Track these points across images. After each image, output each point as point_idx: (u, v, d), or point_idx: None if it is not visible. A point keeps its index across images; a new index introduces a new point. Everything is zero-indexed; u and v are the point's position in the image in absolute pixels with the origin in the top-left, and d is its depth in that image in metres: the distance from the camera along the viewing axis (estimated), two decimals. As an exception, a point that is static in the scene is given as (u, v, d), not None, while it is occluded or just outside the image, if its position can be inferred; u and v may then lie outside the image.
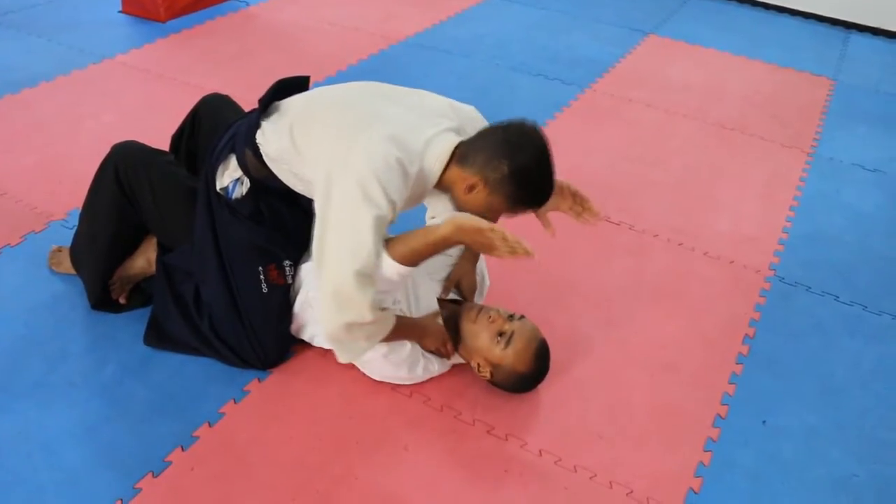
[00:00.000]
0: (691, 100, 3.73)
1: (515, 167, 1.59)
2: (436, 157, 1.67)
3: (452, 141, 1.69)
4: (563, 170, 2.95)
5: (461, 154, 1.67)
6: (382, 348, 1.82)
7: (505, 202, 1.66)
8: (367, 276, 1.61)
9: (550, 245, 2.57)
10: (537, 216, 1.87)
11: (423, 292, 2.01)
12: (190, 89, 3.25)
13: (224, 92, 2.20)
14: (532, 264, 2.46)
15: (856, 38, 4.77)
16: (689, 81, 3.93)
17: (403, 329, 1.83)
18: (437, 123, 1.73)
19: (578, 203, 1.89)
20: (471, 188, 1.64)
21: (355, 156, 1.59)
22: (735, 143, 3.37)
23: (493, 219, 1.72)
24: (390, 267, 1.64)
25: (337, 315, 1.63)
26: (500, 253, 1.59)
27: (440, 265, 2.10)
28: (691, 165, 3.16)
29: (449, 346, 1.92)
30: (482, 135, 1.67)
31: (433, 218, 2.01)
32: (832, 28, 4.90)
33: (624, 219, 2.76)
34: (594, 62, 4.02)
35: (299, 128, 1.73)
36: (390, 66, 3.72)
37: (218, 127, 1.97)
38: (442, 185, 1.73)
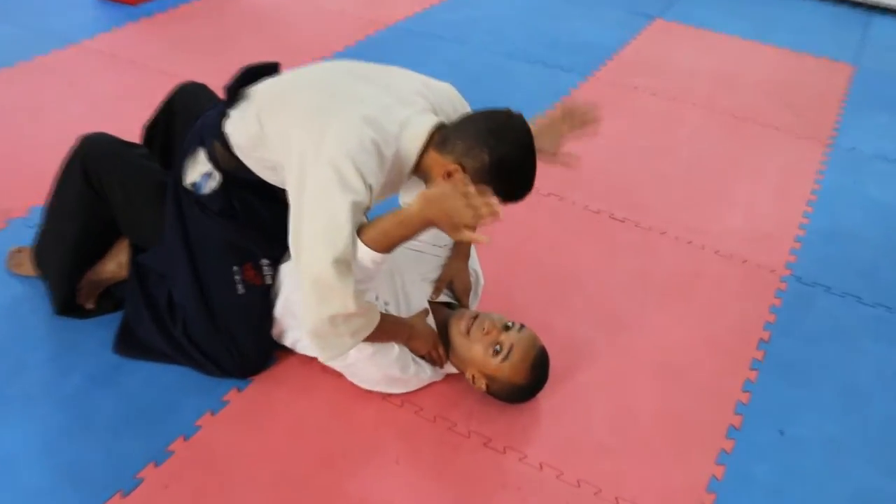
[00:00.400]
0: (700, 87, 3.74)
1: (496, 157, 1.61)
2: (413, 139, 1.68)
3: (430, 121, 1.70)
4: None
5: (441, 139, 1.68)
6: (368, 349, 1.82)
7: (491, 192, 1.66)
8: (347, 265, 1.61)
9: (550, 243, 2.61)
10: (552, 161, 1.89)
11: (414, 295, 2.00)
12: (164, 77, 3.23)
13: (201, 80, 2.20)
14: (531, 261, 2.48)
15: (878, 20, 4.79)
16: (698, 68, 3.94)
17: (390, 328, 1.83)
18: (412, 103, 1.74)
19: (577, 119, 1.92)
20: (448, 175, 1.65)
21: (329, 139, 1.60)
22: (747, 134, 3.38)
23: None
24: (363, 252, 1.64)
25: (319, 307, 1.63)
26: (466, 220, 1.55)
27: (433, 265, 2.10)
28: (701, 158, 3.17)
29: (441, 351, 1.92)
30: (464, 120, 1.69)
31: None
32: (852, 10, 4.92)
33: (629, 215, 2.77)
34: (597, 48, 4.03)
35: (267, 113, 1.74)
36: (377, 52, 3.72)
37: (193, 117, 1.97)
38: (419, 171, 1.74)
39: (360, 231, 1.64)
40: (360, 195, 1.60)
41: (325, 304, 1.63)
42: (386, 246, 1.65)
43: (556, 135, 1.90)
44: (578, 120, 1.92)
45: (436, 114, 1.78)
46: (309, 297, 1.64)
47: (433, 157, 1.68)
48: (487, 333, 1.85)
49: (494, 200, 1.57)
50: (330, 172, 1.59)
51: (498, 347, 1.83)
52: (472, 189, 1.54)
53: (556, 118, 1.91)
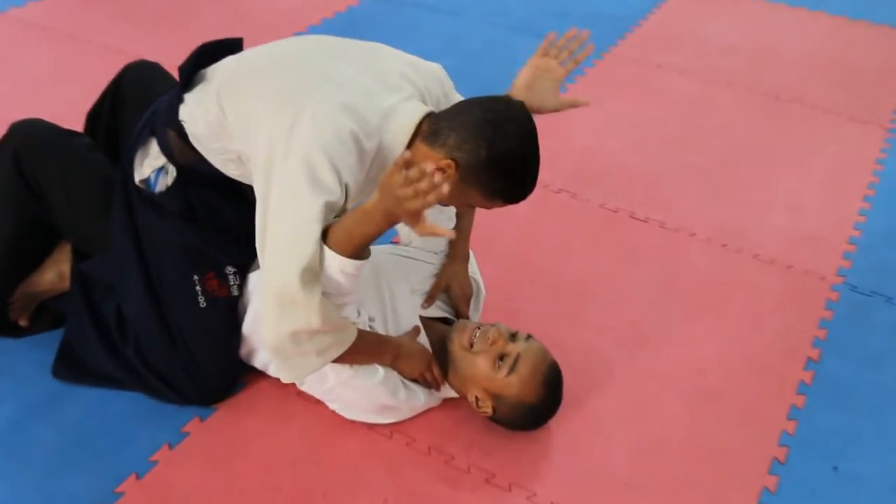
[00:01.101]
0: (737, 64, 3.76)
1: (495, 152, 1.59)
2: (398, 131, 1.68)
3: (419, 111, 1.71)
4: (577, 154, 3.03)
5: (431, 130, 1.67)
6: (346, 371, 1.82)
7: (479, 192, 1.66)
8: (315, 274, 1.62)
9: (561, 247, 2.61)
10: (558, 109, 1.91)
11: (403, 309, 2.01)
12: (110, 55, 3.24)
13: (153, 59, 2.20)
14: (539, 268, 2.48)
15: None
16: (734, 41, 3.96)
17: (371, 347, 1.84)
18: (398, 88, 1.75)
19: (564, 52, 1.95)
20: (441, 172, 1.64)
21: (300, 129, 1.61)
22: (792, 118, 3.40)
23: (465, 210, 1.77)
24: (331, 260, 1.63)
25: (280, 321, 1.64)
26: (414, 205, 1.52)
27: (424, 275, 2.11)
28: (737, 147, 3.17)
29: (436, 372, 1.93)
30: (458, 109, 1.68)
31: None
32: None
33: (652, 214, 2.77)
34: (614, 19, 4.05)
35: (229, 96, 1.74)
36: (361, 26, 3.73)
37: (145, 102, 1.97)
38: None
39: (323, 234, 1.63)
40: (333, 195, 1.60)
41: (286, 319, 1.63)
42: (351, 249, 1.64)
43: (550, 81, 1.90)
44: (566, 51, 1.93)
45: (424, 101, 1.79)
46: (270, 309, 1.65)
47: (422, 151, 1.67)
48: (493, 344, 1.86)
49: (437, 175, 1.52)
50: (301, 169, 1.59)
51: (504, 358, 1.84)
52: (414, 169, 1.51)
53: (541, 61, 1.91)
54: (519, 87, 1.91)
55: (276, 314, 1.64)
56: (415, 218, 1.55)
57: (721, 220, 2.77)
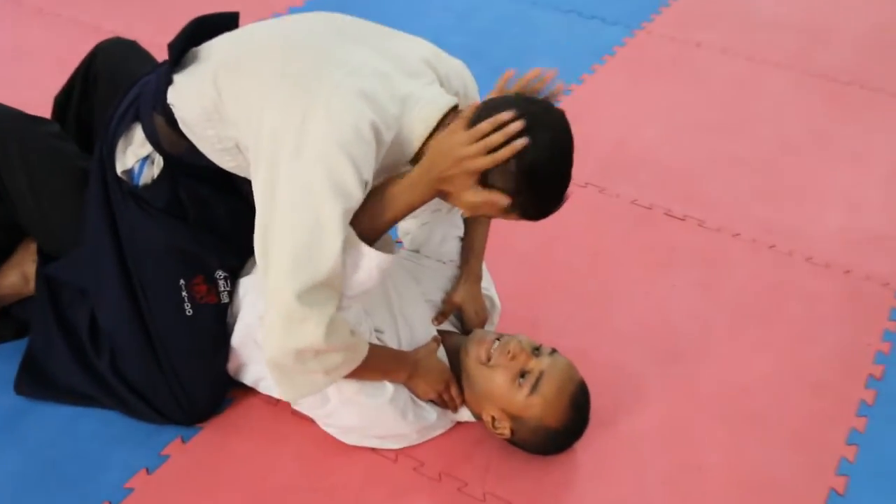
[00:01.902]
0: (787, 42, 3.75)
1: (527, 163, 1.58)
2: (420, 122, 1.68)
3: (444, 101, 1.71)
4: (605, 143, 3.04)
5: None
6: (349, 387, 1.83)
7: (507, 200, 1.64)
8: (331, 290, 1.63)
9: (588, 248, 2.61)
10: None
11: (417, 319, 2.02)
12: (81, 31, 3.25)
13: (129, 36, 2.21)
14: (563, 273, 2.48)
15: None
16: (785, 16, 3.95)
17: (383, 363, 1.84)
18: (418, 73, 1.75)
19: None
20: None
21: (315, 123, 1.61)
22: (851, 103, 3.39)
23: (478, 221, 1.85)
24: (369, 259, 1.66)
25: (285, 338, 1.64)
26: (476, 163, 1.56)
27: (436, 283, 2.12)
28: (788, 135, 3.17)
29: (453, 391, 1.94)
30: (489, 107, 1.65)
31: None
32: None
33: (691, 211, 2.77)
34: (649, -9, 4.05)
35: (228, 78, 1.74)
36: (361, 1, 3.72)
37: (120, 85, 1.97)
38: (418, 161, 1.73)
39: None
40: (353, 200, 1.61)
41: (292, 336, 1.64)
42: (375, 235, 1.68)
43: None
44: (538, 88, 1.88)
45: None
46: (273, 323, 1.65)
47: None
48: (514, 358, 1.86)
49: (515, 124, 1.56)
50: (317, 169, 1.59)
51: (525, 374, 1.85)
52: (488, 121, 1.55)
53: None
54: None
55: (283, 330, 1.64)
56: (465, 184, 1.59)
57: (769, 218, 2.76)
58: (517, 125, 1.55)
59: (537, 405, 1.84)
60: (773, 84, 3.47)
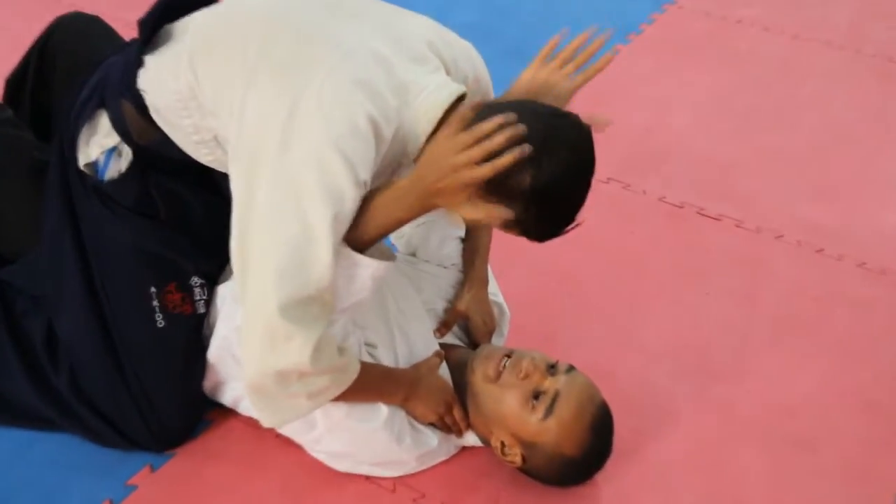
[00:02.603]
0: (837, 17, 3.75)
1: (541, 182, 1.56)
2: (425, 113, 1.67)
3: (451, 89, 1.68)
4: (631, 133, 3.03)
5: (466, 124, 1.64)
6: (336, 412, 1.82)
7: (498, 215, 1.63)
8: (320, 304, 1.63)
9: (610, 252, 2.61)
10: None
11: (416, 331, 2.01)
12: (37, 4, 3.24)
13: (91, 11, 2.21)
14: (581, 280, 2.47)
15: None
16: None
17: (377, 384, 1.84)
18: (423, 58, 1.73)
19: (570, 64, 1.86)
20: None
21: (305, 116, 1.59)
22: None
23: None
24: (364, 268, 1.66)
25: (267, 357, 1.64)
26: (469, 174, 1.51)
27: (438, 290, 2.11)
28: (838, 123, 3.16)
29: (457, 413, 1.93)
30: (490, 109, 1.59)
31: None
32: None
33: (727, 210, 2.76)
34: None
35: (205, 60, 1.73)
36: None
37: (82, 65, 1.97)
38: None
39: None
40: (346, 204, 1.59)
41: (275, 356, 1.63)
42: (363, 244, 1.66)
43: (552, 99, 1.81)
44: (573, 63, 1.85)
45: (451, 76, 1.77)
46: (253, 340, 1.65)
47: None
48: (526, 377, 1.85)
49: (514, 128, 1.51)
50: (306, 168, 1.58)
51: (539, 395, 1.84)
52: (482, 125, 1.50)
53: (542, 73, 1.84)
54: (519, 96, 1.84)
55: (264, 348, 1.63)
56: (459, 197, 1.54)
57: (816, 217, 2.76)
58: (521, 128, 1.50)
59: (553, 430, 1.83)
60: (822, 65, 3.47)
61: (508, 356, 1.90)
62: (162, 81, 1.77)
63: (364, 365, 1.77)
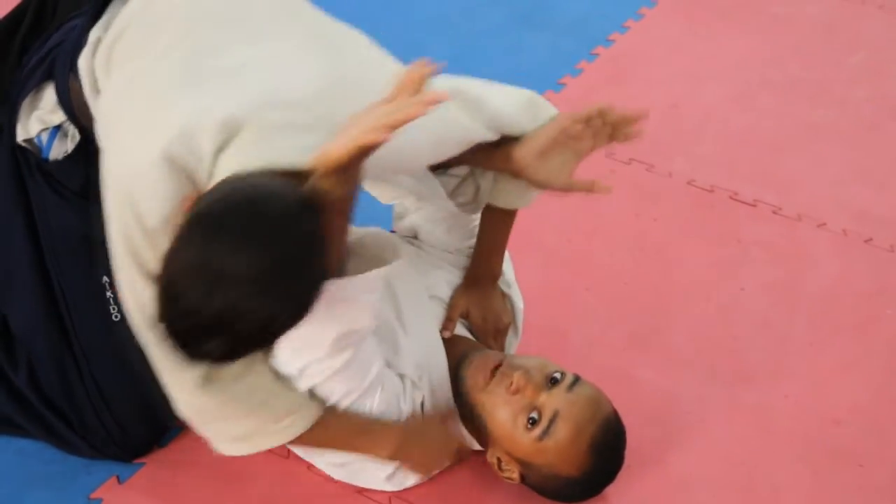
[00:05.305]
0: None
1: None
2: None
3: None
4: (656, 108, 2.96)
5: None
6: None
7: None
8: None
9: (632, 241, 2.58)
10: (567, 191, 1.82)
11: (419, 325, 1.96)
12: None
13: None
14: (600, 271, 2.44)
15: None
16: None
17: (353, 436, 1.79)
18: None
19: (605, 130, 1.82)
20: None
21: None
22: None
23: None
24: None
25: (170, 373, 1.64)
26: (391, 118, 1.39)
27: (443, 276, 2.07)
28: (889, 97, 3.15)
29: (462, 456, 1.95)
30: None
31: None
32: None
33: (763, 195, 2.74)
34: None
35: (124, 47, 1.68)
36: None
37: (38, 27, 1.93)
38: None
39: None
40: None
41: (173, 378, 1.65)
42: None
43: (571, 153, 1.80)
44: (606, 131, 1.83)
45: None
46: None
47: None
48: (517, 392, 1.81)
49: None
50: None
51: (535, 416, 1.79)
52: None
53: (572, 127, 1.80)
54: (531, 150, 1.80)
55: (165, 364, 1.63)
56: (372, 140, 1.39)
57: (863, 204, 2.74)
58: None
59: (550, 451, 1.80)
60: (870, 30, 3.47)
61: (498, 368, 1.85)
62: (92, 62, 1.73)
63: (338, 413, 1.74)
